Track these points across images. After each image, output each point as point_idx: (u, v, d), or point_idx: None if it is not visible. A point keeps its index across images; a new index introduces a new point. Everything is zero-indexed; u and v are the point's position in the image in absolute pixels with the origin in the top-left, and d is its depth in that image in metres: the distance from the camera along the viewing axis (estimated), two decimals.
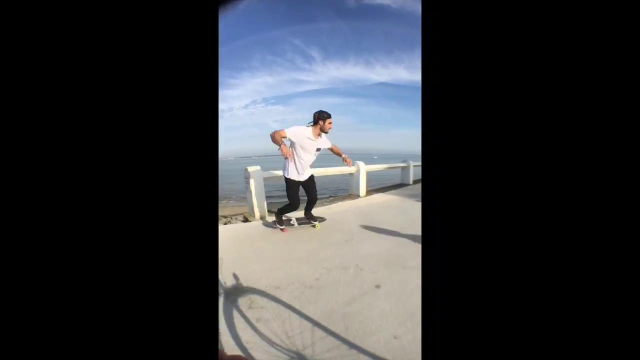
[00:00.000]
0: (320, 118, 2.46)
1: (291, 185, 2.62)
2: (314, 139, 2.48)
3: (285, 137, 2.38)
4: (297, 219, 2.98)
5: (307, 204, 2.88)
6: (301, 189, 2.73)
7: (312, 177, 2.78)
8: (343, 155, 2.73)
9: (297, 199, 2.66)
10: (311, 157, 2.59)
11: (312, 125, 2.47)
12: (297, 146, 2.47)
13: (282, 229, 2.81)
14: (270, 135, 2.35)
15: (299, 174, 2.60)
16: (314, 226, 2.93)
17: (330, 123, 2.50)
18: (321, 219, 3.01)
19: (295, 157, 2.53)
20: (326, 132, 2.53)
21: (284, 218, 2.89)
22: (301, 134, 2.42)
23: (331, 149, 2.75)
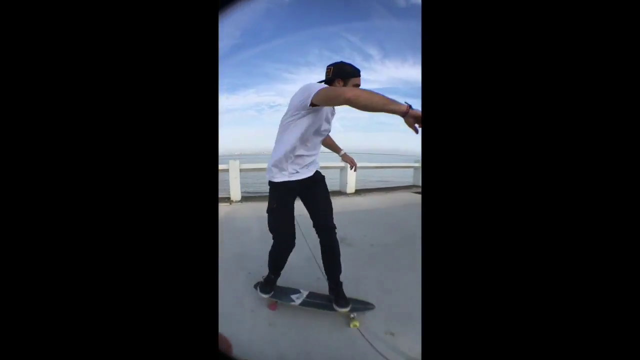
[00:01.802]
0: (338, 75, 1.17)
1: (277, 194, 1.27)
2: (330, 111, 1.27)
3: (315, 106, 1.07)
4: (304, 297, 1.45)
5: (324, 255, 1.34)
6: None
7: (321, 177, 1.36)
8: (342, 152, 1.56)
9: (289, 228, 1.29)
10: (318, 138, 1.27)
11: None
12: (315, 121, 1.17)
13: (270, 302, 1.44)
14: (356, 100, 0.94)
15: (295, 172, 1.24)
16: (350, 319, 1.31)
17: (357, 86, 1.17)
18: (365, 306, 1.37)
19: (294, 137, 1.18)
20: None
21: (270, 277, 1.43)
22: (314, 86, 1.11)
23: (326, 137, 1.44)
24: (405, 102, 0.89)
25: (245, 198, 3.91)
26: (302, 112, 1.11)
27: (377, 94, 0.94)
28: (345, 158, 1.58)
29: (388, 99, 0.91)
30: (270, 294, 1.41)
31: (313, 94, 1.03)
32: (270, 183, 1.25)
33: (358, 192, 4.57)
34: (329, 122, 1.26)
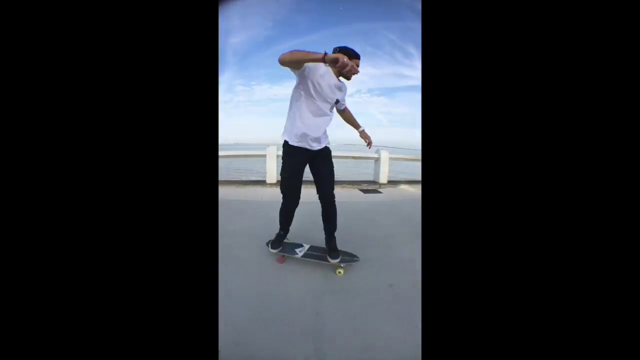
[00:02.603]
0: (342, 53, 1.32)
1: (290, 158, 1.53)
2: (334, 78, 1.46)
3: (288, 62, 1.32)
4: (306, 250, 1.77)
5: (324, 217, 1.64)
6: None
7: (328, 151, 1.61)
8: (361, 129, 1.72)
9: (295, 186, 1.57)
10: (326, 108, 1.50)
11: (327, 66, 1.40)
12: (309, 84, 1.41)
13: (279, 256, 1.71)
14: (283, 60, 1.28)
15: (305, 139, 1.48)
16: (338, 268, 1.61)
17: (357, 66, 1.38)
18: (351, 257, 1.67)
19: (302, 104, 1.45)
20: (348, 78, 1.49)
21: (280, 234, 1.73)
22: (314, 65, 1.38)
23: (344, 111, 1.70)
24: (324, 52, 1.23)
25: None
26: (296, 79, 1.44)
27: (299, 51, 1.28)
28: (363, 135, 1.74)
29: (307, 52, 1.26)
30: (279, 249, 1.72)
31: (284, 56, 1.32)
32: (287, 146, 1.52)
33: (390, 182, 4.57)
34: (325, 98, 1.48)
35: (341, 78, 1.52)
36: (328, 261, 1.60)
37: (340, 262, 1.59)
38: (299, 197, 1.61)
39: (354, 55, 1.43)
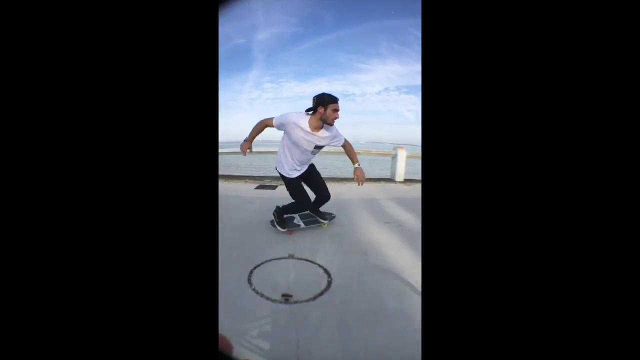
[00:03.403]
0: (319, 103, 1.67)
1: (287, 182, 2.00)
2: (308, 130, 1.72)
3: (270, 126, 1.81)
4: (302, 219, 2.38)
5: (319, 203, 2.17)
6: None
7: (313, 168, 2.08)
8: (356, 165, 1.87)
9: (303, 196, 2.01)
10: (303, 156, 1.87)
11: (310, 114, 1.72)
12: (285, 137, 1.82)
13: (287, 231, 2.16)
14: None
15: (290, 171, 1.92)
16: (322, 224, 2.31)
17: (335, 111, 1.68)
18: (330, 216, 2.36)
19: (286, 150, 1.86)
20: (330, 124, 1.72)
21: (285, 217, 2.25)
22: (290, 121, 1.70)
23: (344, 147, 1.91)
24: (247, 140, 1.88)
25: None
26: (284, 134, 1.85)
27: (256, 126, 1.85)
28: (357, 172, 1.84)
29: (255, 130, 1.86)
30: (286, 229, 2.15)
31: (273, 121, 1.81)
32: (280, 175, 2.00)
33: (407, 181, 4.48)
34: (300, 148, 1.82)
35: (325, 126, 1.76)
36: (320, 222, 2.26)
37: (326, 219, 2.29)
38: (309, 199, 2.05)
39: (330, 100, 1.67)
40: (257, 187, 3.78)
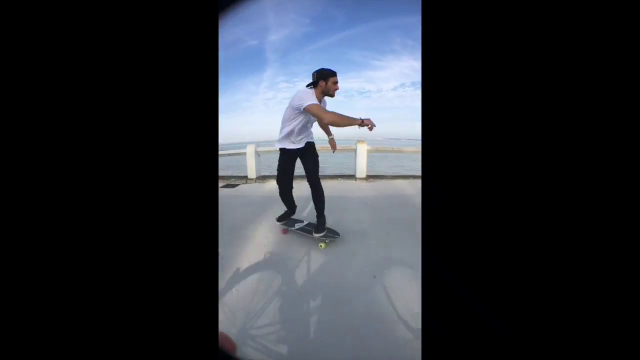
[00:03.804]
0: (320, 77, 1.83)
1: (282, 157, 2.04)
2: (318, 103, 1.86)
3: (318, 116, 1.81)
4: (303, 225, 2.22)
5: (313, 195, 2.08)
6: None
7: (312, 146, 2.10)
8: (331, 137, 2.17)
9: (286, 177, 2.06)
10: (304, 129, 2.00)
11: (312, 88, 1.86)
12: (290, 111, 1.91)
13: (282, 229, 2.22)
14: (331, 123, 1.82)
15: (293, 141, 1.98)
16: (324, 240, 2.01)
17: (335, 83, 1.84)
18: (332, 235, 2.05)
19: (294, 122, 1.92)
20: (331, 95, 1.88)
21: (287, 212, 2.25)
22: (310, 96, 1.81)
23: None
24: (360, 118, 1.74)
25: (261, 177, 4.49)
26: (297, 112, 1.85)
27: (341, 116, 1.74)
28: (331, 143, 2.24)
29: (348, 118, 1.74)
30: (283, 222, 2.22)
31: (305, 104, 1.76)
32: (280, 150, 2.03)
33: (369, 177, 4.49)
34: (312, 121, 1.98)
35: (324, 98, 1.90)
36: (312, 236, 2.02)
37: (324, 236, 2.01)
38: (291, 185, 2.11)
39: (330, 74, 1.83)
40: (224, 186, 4.09)
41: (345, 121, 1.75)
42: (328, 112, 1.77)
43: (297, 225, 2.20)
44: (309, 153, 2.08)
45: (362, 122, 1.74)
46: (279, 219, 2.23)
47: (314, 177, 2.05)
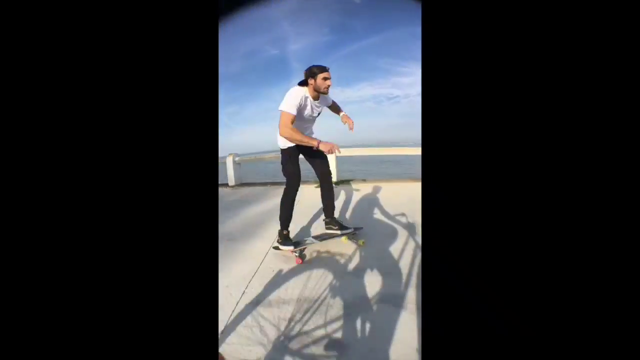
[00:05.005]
0: (308, 76, 1.76)
1: (285, 155, 1.93)
2: (312, 103, 1.86)
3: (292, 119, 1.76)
4: (314, 236, 2.01)
5: (322, 194, 2.00)
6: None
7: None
8: (342, 113, 2.07)
9: (296, 170, 1.93)
10: (304, 126, 1.93)
11: (305, 87, 1.81)
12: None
13: (296, 256, 1.84)
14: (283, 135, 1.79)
15: (289, 142, 1.91)
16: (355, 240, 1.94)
17: (325, 79, 1.75)
18: (354, 229, 1.97)
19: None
20: (324, 93, 1.83)
21: (286, 232, 1.96)
22: (301, 97, 1.78)
23: (330, 107, 2.08)
24: (318, 140, 1.72)
25: (241, 184, 4.85)
26: None
27: (296, 135, 1.73)
28: (344, 119, 2.08)
29: (303, 138, 1.73)
30: (292, 246, 1.86)
31: (280, 107, 1.74)
32: (281, 149, 1.96)
33: (341, 182, 4.34)
34: (311, 111, 1.90)
35: (321, 96, 1.88)
36: (338, 234, 1.90)
37: (352, 233, 1.93)
38: (299, 177, 1.96)
39: (319, 70, 1.75)
40: None
41: (298, 140, 1.76)
42: (286, 127, 1.73)
43: (309, 240, 1.93)
44: (317, 152, 1.98)
45: (317, 146, 1.71)
46: (286, 244, 1.90)
47: (325, 171, 1.98)
